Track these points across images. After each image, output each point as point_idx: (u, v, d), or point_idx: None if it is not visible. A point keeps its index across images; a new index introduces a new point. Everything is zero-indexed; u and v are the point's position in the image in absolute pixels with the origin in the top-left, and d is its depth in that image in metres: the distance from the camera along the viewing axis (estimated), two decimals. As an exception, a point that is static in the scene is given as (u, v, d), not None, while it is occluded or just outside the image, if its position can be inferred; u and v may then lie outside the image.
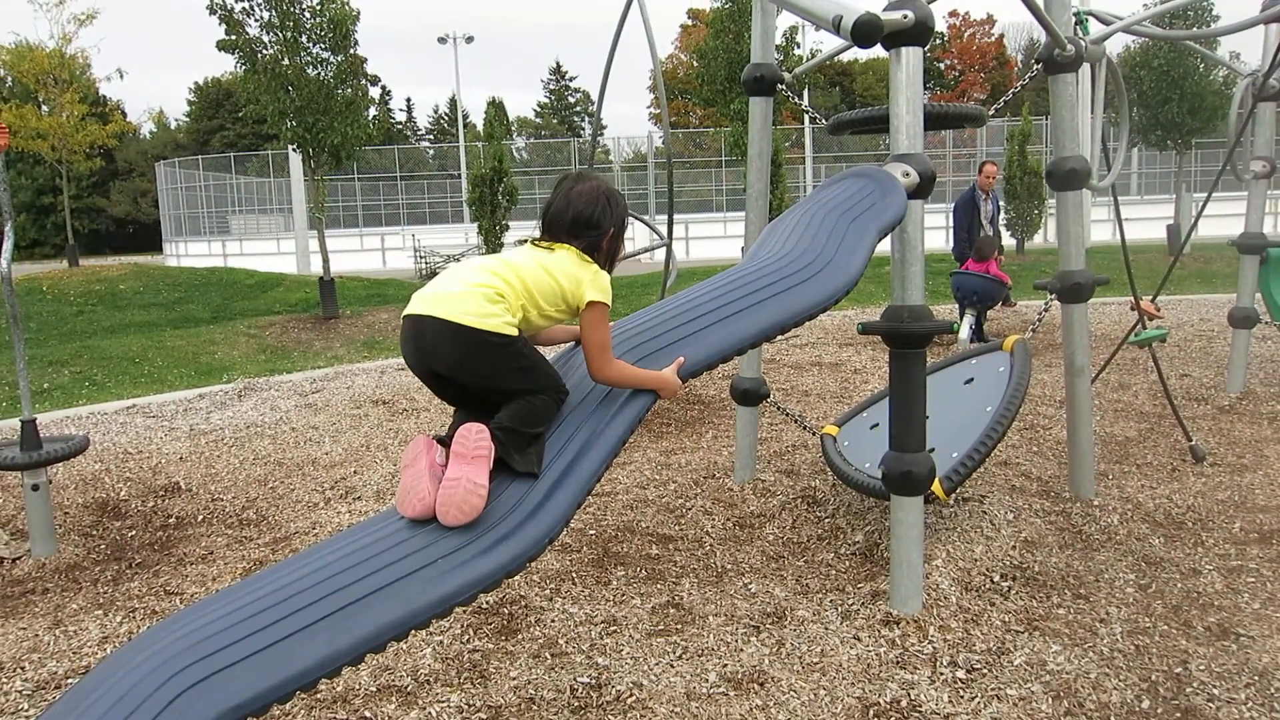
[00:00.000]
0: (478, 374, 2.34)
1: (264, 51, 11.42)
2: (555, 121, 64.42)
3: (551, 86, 67.11)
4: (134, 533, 5.04)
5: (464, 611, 3.69)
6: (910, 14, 3.20)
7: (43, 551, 4.65)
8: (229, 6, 11.16)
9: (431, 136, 65.03)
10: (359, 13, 11.79)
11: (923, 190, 3.26)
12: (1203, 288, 13.82)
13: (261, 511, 5.23)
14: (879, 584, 3.74)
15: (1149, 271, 14.11)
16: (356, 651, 1.82)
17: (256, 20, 11.33)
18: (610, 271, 2.57)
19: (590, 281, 2.45)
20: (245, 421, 7.35)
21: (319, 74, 11.62)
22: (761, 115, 4.70)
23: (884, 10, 3.23)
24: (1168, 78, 17.28)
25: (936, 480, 3.72)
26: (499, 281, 2.37)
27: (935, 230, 28.37)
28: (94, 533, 5.04)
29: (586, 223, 2.50)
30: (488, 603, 3.76)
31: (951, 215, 10.25)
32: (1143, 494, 4.80)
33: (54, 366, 10.30)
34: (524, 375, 2.37)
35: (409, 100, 77.04)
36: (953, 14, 59.12)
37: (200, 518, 5.21)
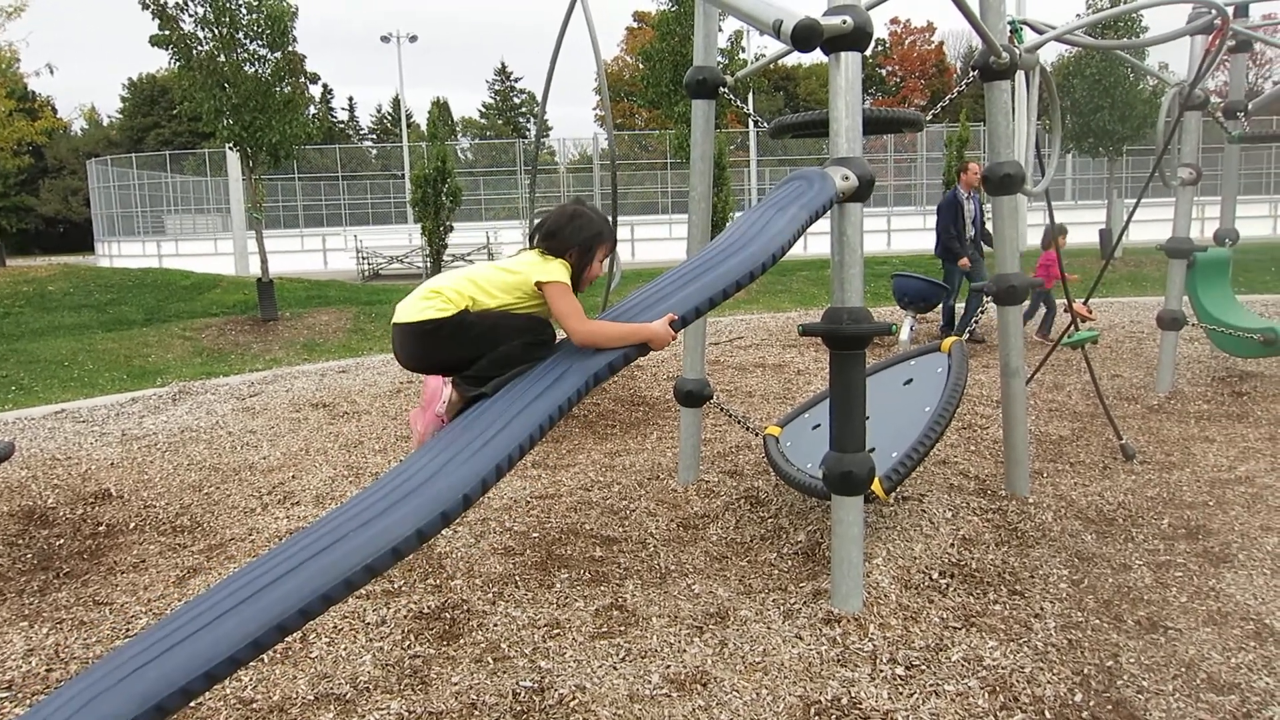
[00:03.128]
0: (423, 357, 2.80)
1: (199, 48, 11.15)
2: (500, 122, 64.05)
3: (496, 87, 66.75)
4: (62, 541, 4.89)
5: (405, 616, 3.65)
6: (849, 19, 3.24)
7: (-36, 562, 4.48)
8: (162, 1, 10.88)
9: (375, 136, 64.24)
10: (297, 9, 11.57)
11: (861, 194, 3.30)
12: (1133, 290, 14.22)
13: (196, 518, 5.10)
14: (820, 583, 3.77)
15: (1082, 274, 14.48)
16: (264, 630, 1.83)
17: (191, 15, 11.07)
18: (578, 287, 2.88)
19: (537, 268, 2.80)
20: (180, 426, 7.18)
21: (256, 71, 11.38)
22: (704, 118, 4.72)
23: (823, 15, 3.27)
24: (1099, 86, 17.75)
25: (876, 480, 3.76)
26: (437, 282, 2.79)
27: (875, 234, 28.81)
28: (19, 542, 4.88)
29: (549, 233, 2.88)
30: (429, 607, 3.72)
31: (935, 216, 10.04)
32: (1076, 491, 4.91)
33: (-22, 370, 9.96)
34: (477, 341, 2.74)
35: (351, 99, 75.99)
36: (894, 21, 60.09)
37: (132, 525, 5.07)
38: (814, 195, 3.04)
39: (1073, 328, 5.78)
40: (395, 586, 3.95)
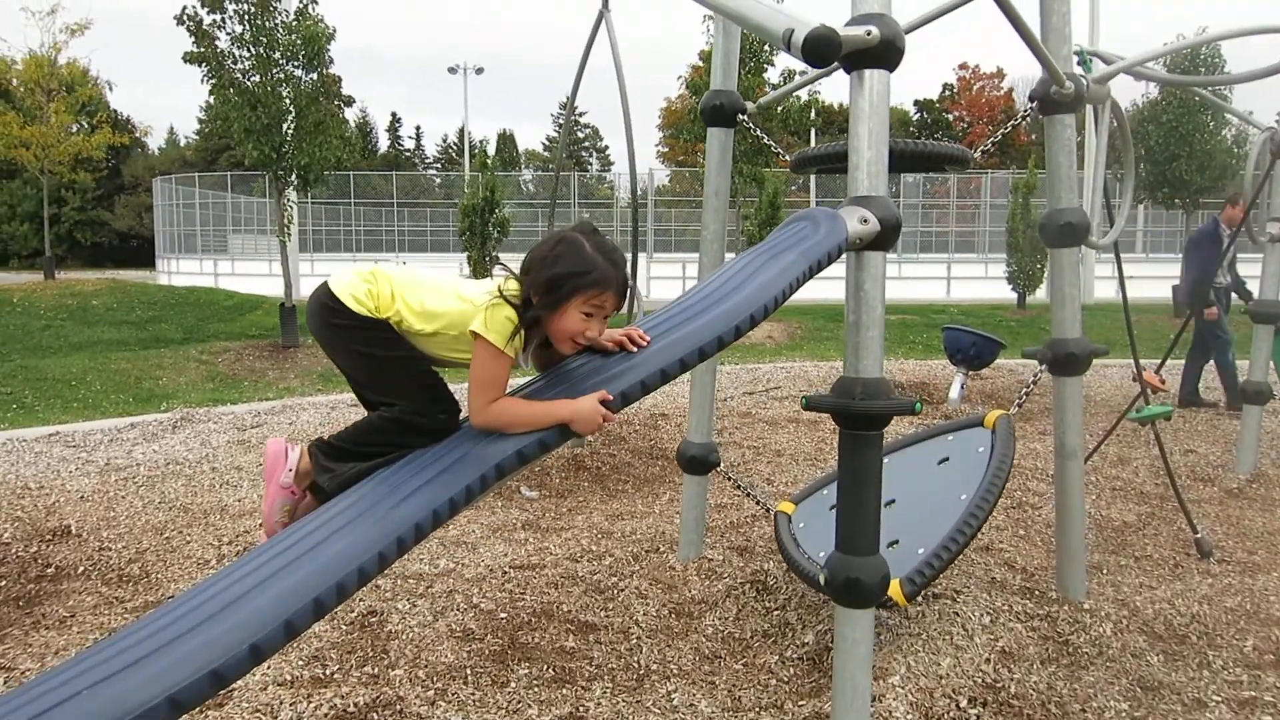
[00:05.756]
0: (316, 331, 2.41)
1: (233, 66, 10.93)
2: (564, 155, 64.47)
3: (560, 121, 67.24)
4: (4, 583, 4.46)
5: (325, 714, 3.10)
6: (875, 30, 2.64)
7: (-116, 608, 4.06)
8: (199, 17, 10.70)
9: (439, 165, 65.05)
10: (334, 31, 11.32)
11: (883, 241, 2.69)
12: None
13: (147, 566, 4.64)
14: (824, 702, 3.14)
15: (1153, 334, 13.55)
16: None
17: (228, 34, 10.87)
18: (530, 344, 2.29)
19: (480, 312, 2.22)
20: (168, 457, 6.77)
21: (290, 91, 11.12)
22: (720, 148, 4.16)
23: (845, 25, 2.69)
24: (1176, 133, 16.86)
25: (896, 582, 3.13)
26: (389, 269, 2.38)
27: (934, 281, 27.89)
28: (-39, 583, 4.46)
29: (524, 267, 2.32)
30: (355, 704, 3.16)
31: (1185, 253, 9.21)
32: (1140, 596, 4.19)
33: (-12, 386, 9.75)
34: (359, 360, 2.34)
35: (418, 128, 77.25)
36: (962, 66, 59.20)
37: (81, 569, 4.62)
38: (819, 240, 2.45)
39: (1141, 400, 5.06)
40: (327, 673, 3.41)
